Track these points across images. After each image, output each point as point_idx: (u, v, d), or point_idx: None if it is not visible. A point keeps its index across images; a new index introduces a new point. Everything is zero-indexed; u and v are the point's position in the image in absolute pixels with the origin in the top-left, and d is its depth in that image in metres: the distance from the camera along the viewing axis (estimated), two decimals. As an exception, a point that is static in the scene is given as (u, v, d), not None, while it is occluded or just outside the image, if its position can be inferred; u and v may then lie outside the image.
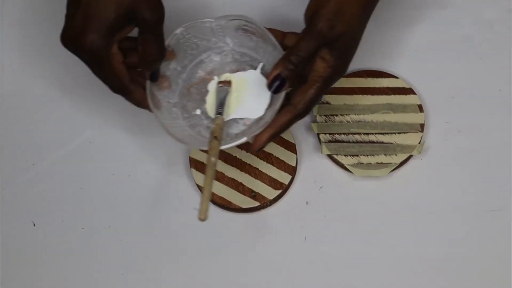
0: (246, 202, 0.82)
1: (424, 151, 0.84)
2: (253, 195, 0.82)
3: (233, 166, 0.83)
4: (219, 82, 0.81)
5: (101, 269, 0.82)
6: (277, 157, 0.84)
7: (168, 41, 0.78)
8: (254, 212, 0.83)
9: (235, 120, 0.78)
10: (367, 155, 0.83)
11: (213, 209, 0.83)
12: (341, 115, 0.85)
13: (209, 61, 0.82)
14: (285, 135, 0.84)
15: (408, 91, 0.86)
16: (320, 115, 0.85)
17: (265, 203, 0.82)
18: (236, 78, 0.81)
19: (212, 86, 0.81)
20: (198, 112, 0.80)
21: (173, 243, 0.82)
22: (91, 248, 0.83)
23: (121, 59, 0.74)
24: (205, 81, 0.82)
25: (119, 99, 0.89)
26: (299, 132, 0.86)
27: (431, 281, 0.79)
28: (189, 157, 0.84)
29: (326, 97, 0.86)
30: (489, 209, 0.81)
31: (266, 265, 0.81)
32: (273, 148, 0.84)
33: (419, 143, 0.83)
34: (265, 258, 0.81)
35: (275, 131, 0.74)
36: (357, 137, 0.84)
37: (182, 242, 0.82)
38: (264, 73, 0.79)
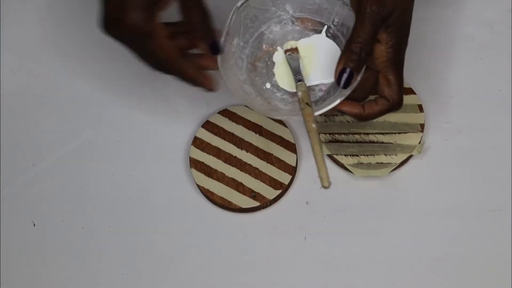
0: (246, 202, 0.82)
1: (424, 151, 0.84)
2: (253, 195, 0.82)
3: (233, 166, 0.83)
4: (286, 51, 0.79)
5: (101, 269, 0.82)
6: (277, 157, 0.84)
7: (230, 15, 0.76)
8: (254, 212, 0.83)
9: (310, 88, 0.77)
10: (367, 155, 0.83)
11: (213, 209, 0.83)
12: (341, 115, 0.85)
13: (269, 32, 0.80)
14: (285, 135, 0.84)
15: (408, 91, 0.86)
16: (320, 115, 0.85)
17: (265, 203, 0.82)
18: (302, 45, 0.79)
19: (278, 57, 0.80)
20: (268, 86, 0.79)
21: (173, 243, 0.82)
22: (91, 248, 0.83)
23: (166, 34, 0.71)
24: (269, 53, 0.80)
25: (119, 99, 0.89)
26: (299, 132, 0.86)
27: (431, 281, 0.79)
28: (189, 157, 0.84)
29: (326, 97, 0.86)
30: (489, 209, 0.81)
31: (266, 265, 0.81)
32: (273, 148, 0.84)
33: (419, 143, 0.83)
34: (265, 258, 0.81)
35: (363, 115, 0.74)
36: (357, 137, 0.84)
37: (182, 242, 0.82)
38: (329, 35, 0.78)
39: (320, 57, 0.78)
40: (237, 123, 0.86)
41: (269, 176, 0.83)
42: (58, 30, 0.94)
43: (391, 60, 0.72)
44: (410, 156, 0.83)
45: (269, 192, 0.82)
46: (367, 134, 0.84)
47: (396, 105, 0.73)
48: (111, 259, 0.82)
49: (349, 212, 0.82)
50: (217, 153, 0.84)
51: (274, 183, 0.82)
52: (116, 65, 0.91)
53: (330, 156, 0.84)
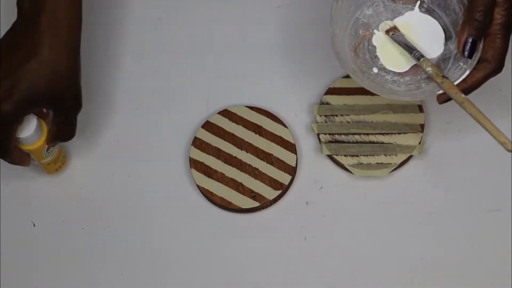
0: (246, 202, 0.82)
1: (424, 151, 0.84)
2: (253, 195, 0.82)
3: (233, 166, 0.83)
4: (387, 31, 0.79)
5: (101, 269, 0.82)
6: (277, 157, 0.84)
7: (331, 6, 0.77)
8: (254, 213, 0.83)
9: (417, 65, 0.77)
10: (367, 156, 0.83)
11: (213, 210, 0.83)
12: (341, 115, 0.85)
13: (363, 16, 0.79)
14: (285, 136, 0.84)
15: (408, 91, 0.86)
16: (320, 116, 0.85)
17: (265, 203, 0.82)
18: (399, 23, 0.79)
19: (377, 39, 0.79)
20: (375, 70, 0.79)
21: (173, 243, 0.82)
22: (91, 248, 0.83)
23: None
24: (366, 37, 0.79)
25: (119, 99, 0.89)
26: (299, 132, 0.86)
27: (431, 281, 0.79)
28: (189, 157, 0.84)
29: (326, 97, 0.86)
30: (489, 209, 0.81)
31: (266, 265, 0.81)
32: (273, 148, 0.84)
33: (419, 143, 0.83)
34: (265, 258, 0.81)
35: (468, 87, 0.73)
36: (357, 137, 0.84)
37: (182, 242, 0.82)
38: (423, 10, 0.78)
39: (418, 34, 0.78)
40: (237, 123, 0.86)
41: (269, 177, 0.83)
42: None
43: (504, 24, 0.72)
44: (410, 156, 0.83)
45: (269, 193, 0.82)
46: (367, 134, 0.84)
47: (497, 68, 0.73)
48: (111, 259, 0.82)
49: (349, 212, 0.82)
50: (217, 153, 0.84)
51: (274, 183, 0.82)
52: (116, 65, 0.91)
53: (330, 156, 0.84)
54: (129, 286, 0.81)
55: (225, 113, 0.86)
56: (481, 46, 0.73)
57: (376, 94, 0.86)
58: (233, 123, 0.86)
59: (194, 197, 0.84)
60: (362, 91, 0.86)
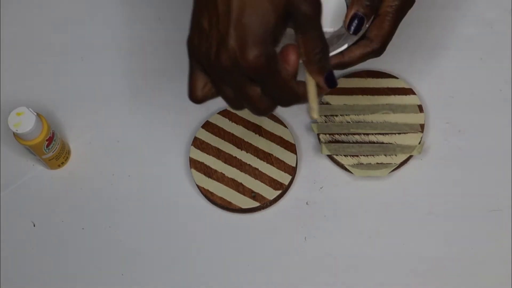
0: (246, 202, 0.82)
1: (424, 151, 0.84)
2: (253, 195, 0.82)
3: (233, 166, 0.83)
4: None
5: (101, 269, 0.82)
6: (277, 157, 0.84)
7: None
8: (254, 213, 0.83)
9: None
10: (367, 156, 0.83)
11: (213, 210, 0.83)
12: (341, 115, 0.85)
13: None
14: (285, 136, 0.84)
15: (408, 91, 0.86)
16: (320, 116, 0.85)
17: (265, 204, 0.82)
18: None
19: None
20: None
21: (173, 243, 0.82)
22: (91, 248, 0.83)
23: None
24: None
25: (119, 99, 0.89)
26: (299, 132, 0.86)
27: (431, 281, 0.79)
28: (189, 157, 0.84)
29: (326, 98, 0.86)
30: (489, 209, 0.81)
31: (266, 265, 0.81)
32: (273, 148, 0.84)
33: (419, 143, 0.83)
34: (265, 258, 0.81)
35: (344, 61, 0.72)
36: (357, 137, 0.84)
37: (182, 242, 0.82)
38: None
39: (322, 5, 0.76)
40: (237, 123, 0.86)
41: (269, 177, 0.83)
42: (58, 30, 0.94)
43: (396, 7, 0.71)
44: (410, 156, 0.83)
45: (269, 193, 0.82)
46: (367, 134, 0.84)
47: (377, 49, 0.72)
48: (111, 259, 0.82)
49: (349, 212, 0.82)
50: (217, 153, 0.84)
51: (274, 183, 0.82)
52: (116, 65, 0.91)
53: (330, 157, 0.84)
54: (129, 286, 0.81)
55: (225, 113, 0.86)
56: (367, 25, 0.71)
57: (375, 94, 0.86)
58: (233, 123, 0.86)
59: (194, 197, 0.84)
60: (362, 91, 0.86)
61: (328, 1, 0.76)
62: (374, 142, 0.84)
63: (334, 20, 0.75)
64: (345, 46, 0.72)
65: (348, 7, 0.72)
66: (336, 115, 0.85)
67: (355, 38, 0.72)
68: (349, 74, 0.87)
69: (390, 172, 0.83)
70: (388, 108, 0.85)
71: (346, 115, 0.85)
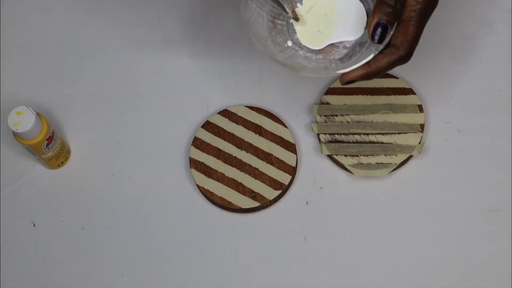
0: (246, 202, 0.82)
1: (424, 151, 0.84)
2: (253, 195, 0.82)
3: (233, 166, 0.83)
4: None
5: (101, 269, 0.82)
6: (277, 157, 0.84)
7: None
8: (254, 213, 0.83)
9: (334, 45, 0.75)
10: (367, 156, 0.83)
11: (213, 210, 0.83)
12: (341, 115, 0.85)
13: None
14: (285, 136, 0.84)
15: (408, 91, 0.86)
16: (320, 116, 0.85)
17: (265, 203, 0.82)
18: (322, 1, 0.76)
19: (298, 13, 0.76)
20: (289, 44, 0.76)
21: (173, 243, 0.82)
22: (91, 248, 0.83)
23: None
24: (288, 9, 0.76)
25: (119, 99, 0.89)
26: (299, 132, 0.86)
27: (431, 281, 0.79)
28: (189, 157, 0.84)
29: (326, 97, 0.86)
30: (489, 209, 0.81)
31: (266, 265, 0.81)
32: (273, 148, 0.84)
33: (419, 143, 0.83)
34: (265, 258, 0.81)
35: (372, 71, 0.70)
36: (357, 137, 0.84)
37: (182, 242, 0.82)
38: None
39: (342, 14, 0.76)
40: (237, 123, 0.86)
41: (269, 177, 0.83)
42: (58, 30, 0.94)
43: (420, 11, 0.70)
44: (410, 156, 0.83)
45: (269, 192, 0.82)
46: (367, 134, 0.84)
47: (404, 56, 0.70)
48: (111, 259, 0.82)
49: (349, 212, 0.82)
50: (217, 153, 0.84)
51: (274, 183, 0.82)
52: (116, 65, 0.91)
53: (330, 156, 0.84)
54: (129, 286, 0.81)
55: (225, 113, 0.86)
56: (391, 32, 0.70)
57: (375, 94, 0.86)
58: (233, 123, 0.86)
59: (194, 197, 0.84)
60: (362, 91, 0.86)
61: (347, 9, 0.76)
62: (374, 142, 0.84)
63: (355, 28, 0.74)
64: (371, 56, 0.70)
65: (369, 14, 0.71)
66: (336, 115, 0.85)
67: (381, 46, 0.70)
68: (349, 74, 0.87)
69: (390, 172, 0.83)
70: (388, 108, 0.85)
71: (346, 115, 0.85)
